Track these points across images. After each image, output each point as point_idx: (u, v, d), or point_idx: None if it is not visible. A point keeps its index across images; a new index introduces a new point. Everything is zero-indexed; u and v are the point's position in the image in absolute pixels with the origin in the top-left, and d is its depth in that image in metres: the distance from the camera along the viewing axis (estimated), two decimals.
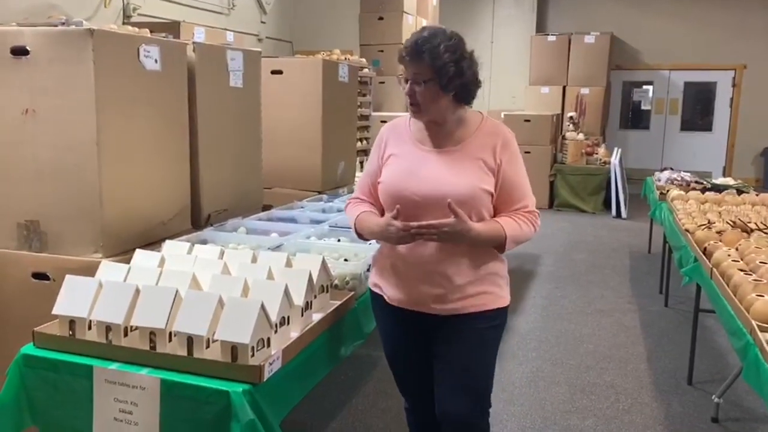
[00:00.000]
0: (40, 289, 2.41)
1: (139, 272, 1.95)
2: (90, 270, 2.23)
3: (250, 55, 3.28)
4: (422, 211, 1.84)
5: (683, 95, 10.95)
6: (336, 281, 2.28)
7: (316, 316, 2.05)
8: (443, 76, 1.80)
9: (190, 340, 1.69)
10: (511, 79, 10.62)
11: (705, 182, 5.09)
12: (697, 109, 11.04)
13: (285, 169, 4.02)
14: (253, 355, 1.65)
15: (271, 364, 1.67)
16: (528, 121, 8.34)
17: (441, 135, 1.93)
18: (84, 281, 1.84)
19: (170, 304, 1.73)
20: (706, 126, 10.90)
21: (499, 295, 1.95)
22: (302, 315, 1.95)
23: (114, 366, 1.71)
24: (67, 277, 1.85)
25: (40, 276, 2.42)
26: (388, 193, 1.93)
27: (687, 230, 3.28)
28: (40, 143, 2.37)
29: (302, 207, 3.40)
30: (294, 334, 1.90)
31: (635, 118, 11.37)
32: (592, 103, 9.74)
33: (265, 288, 1.84)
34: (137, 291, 1.78)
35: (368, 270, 2.34)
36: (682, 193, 4.43)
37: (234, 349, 1.64)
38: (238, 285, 1.86)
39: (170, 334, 1.73)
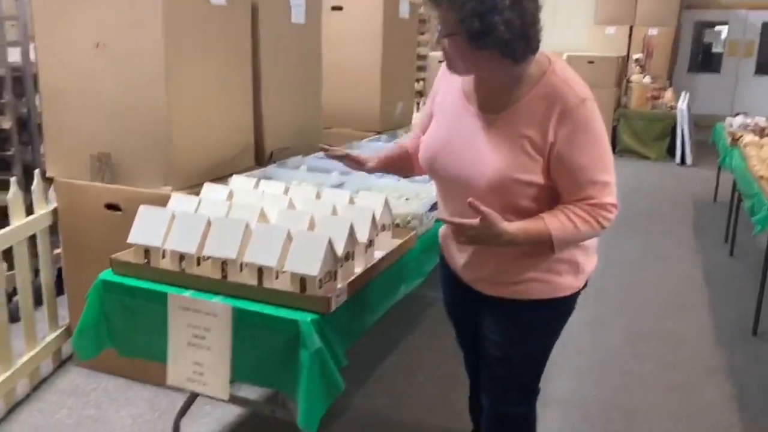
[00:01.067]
0: (112, 219, 2.50)
1: (209, 204, 2.00)
2: (160, 202, 2.29)
3: None
4: (453, 192, 1.62)
5: (760, 37, 10.31)
6: (397, 220, 2.29)
7: (378, 254, 2.06)
8: (467, 30, 1.41)
9: (260, 271, 1.74)
10: (575, 18, 10.18)
11: None
12: None
13: (343, 109, 4.01)
14: (320, 287, 1.68)
15: (338, 296, 1.70)
16: (592, 62, 8.04)
17: (487, 92, 1.56)
18: (158, 211, 1.89)
19: (241, 236, 1.77)
20: None
21: (557, 284, 1.63)
22: (365, 251, 1.97)
23: (187, 293, 1.77)
24: (142, 206, 1.91)
25: (112, 207, 2.51)
26: (424, 158, 1.72)
27: (761, 177, 3.14)
28: (110, 77, 2.42)
29: (361, 147, 3.40)
30: (358, 269, 1.92)
31: (705, 60, 10.83)
32: (660, 44, 9.28)
33: (330, 224, 1.86)
34: (209, 222, 1.83)
35: (430, 210, 2.34)
36: (757, 139, 4.23)
37: (303, 280, 1.68)
38: (304, 220, 1.88)
39: (241, 264, 1.77)
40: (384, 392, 2.68)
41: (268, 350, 1.70)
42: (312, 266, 1.66)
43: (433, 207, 2.37)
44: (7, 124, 3.08)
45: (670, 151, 8.03)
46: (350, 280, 1.78)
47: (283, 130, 3.14)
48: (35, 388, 2.60)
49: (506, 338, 1.72)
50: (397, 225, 2.28)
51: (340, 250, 1.79)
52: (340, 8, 3.84)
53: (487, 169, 1.51)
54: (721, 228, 4.87)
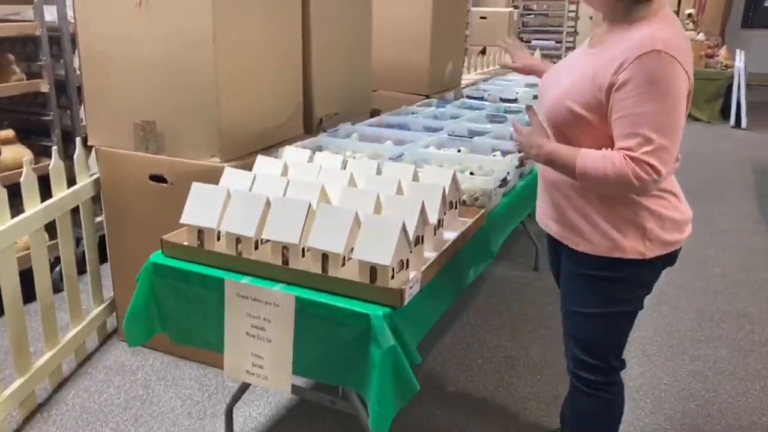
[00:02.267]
0: (157, 191, 2.37)
1: (265, 181, 1.84)
2: (208, 175, 2.16)
3: None
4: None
5: None
6: (464, 196, 2.11)
7: (448, 235, 1.90)
8: None
9: (325, 257, 1.58)
10: None
11: None
12: None
13: (390, 71, 3.80)
14: (392, 277, 1.52)
15: (411, 287, 1.54)
16: None
17: (600, 32, 1.61)
18: (211, 189, 1.74)
19: (303, 218, 1.61)
20: None
21: (618, 243, 1.56)
22: (434, 234, 1.81)
23: (245, 280, 1.63)
24: (194, 184, 1.76)
25: (157, 178, 2.37)
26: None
27: None
28: (154, 38, 2.25)
29: (413, 113, 3.20)
30: (428, 254, 1.76)
31: (760, 15, 10.22)
32: None
33: (398, 204, 1.69)
34: (268, 202, 1.67)
35: (500, 186, 2.16)
36: None
37: (373, 270, 1.52)
38: (369, 200, 1.72)
39: (303, 249, 1.62)
40: (438, 375, 2.54)
41: (335, 345, 1.55)
42: (384, 254, 1.50)
43: (503, 182, 2.18)
44: (45, 87, 2.94)
45: (724, 113, 7.64)
46: (424, 268, 1.62)
47: (332, 94, 2.95)
48: (80, 364, 2.52)
49: (571, 291, 1.71)
50: (464, 202, 2.11)
51: (411, 233, 1.63)
52: None
53: (553, 92, 1.59)
54: None
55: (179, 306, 1.74)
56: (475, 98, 3.70)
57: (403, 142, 2.62)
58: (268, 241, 1.66)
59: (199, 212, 1.72)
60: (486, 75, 5.18)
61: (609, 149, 1.46)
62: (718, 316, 3.05)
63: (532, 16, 9.69)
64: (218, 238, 1.72)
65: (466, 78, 4.75)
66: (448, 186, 1.90)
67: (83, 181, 2.48)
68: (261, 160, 2.03)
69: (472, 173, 2.26)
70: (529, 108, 1.67)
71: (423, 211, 1.70)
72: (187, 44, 2.20)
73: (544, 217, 1.77)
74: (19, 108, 3.15)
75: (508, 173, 2.21)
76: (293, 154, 2.16)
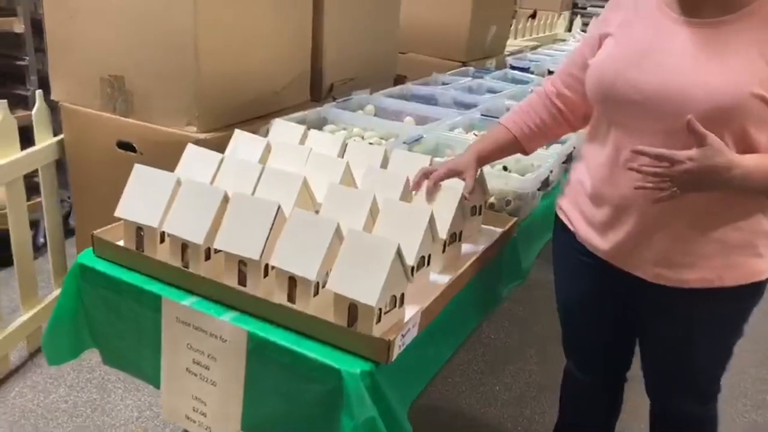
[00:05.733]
0: (126, 161, 1.98)
1: (235, 167, 1.43)
2: (181, 147, 1.77)
3: None
4: (645, 125, 1.17)
5: None
6: (492, 199, 1.67)
7: (467, 249, 1.48)
8: None
9: (292, 282, 1.17)
10: None
11: None
12: None
13: (423, 31, 3.33)
14: (379, 320, 1.11)
15: (404, 335, 1.12)
16: None
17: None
18: (156, 175, 1.33)
19: (269, 225, 1.20)
20: None
21: (755, 266, 1.23)
22: (444, 251, 1.38)
23: (188, 301, 1.23)
24: (136, 166, 1.36)
25: (125, 146, 1.98)
26: (596, 83, 1.26)
27: None
28: None
29: (444, 83, 2.73)
30: (435, 278, 1.35)
31: None
32: None
33: (400, 213, 1.27)
34: (226, 199, 1.26)
35: (539, 189, 1.71)
36: None
37: (353, 308, 1.11)
38: (362, 204, 1.29)
39: (266, 266, 1.21)
40: (444, 404, 2.14)
41: (297, 402, 1.15)
42: (368, 290, 1.08)
43: (544, 184, 1.73)
44: (19, 27, 2.55)
45: None
46: (427, 305, 1.20)
47: (348, 55, 2.50)
48: (33, 354, 2.18)
49: (692, 337, 1.33)
50: (491, 206, 1.67)
51: (411, 257, 1.21)
52: None
53: (718, 81, 1.09)
54: None
55: (110, 322, 1.36)
56: (519, 69, 3.21)
57: (426, 119, 2.18)
58: (222, 251, 1.25)
59: (140, 204, 1.32)
60: (535, 42, 4.63)
61: None
62: None
63: None
64: (162, 240, 1.32)
65: (512, 45, 4.22)
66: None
67: (44, 141, 2.10)
68: (239, 137, 1.62)
69: (506, 168, 1.81)
70: (689, 121, 1.04)
71: (432, 224, 1.27)
72: None
73: (659, 268, 1.25)
74: None
75: (551, 171, 1.76)
76: (282, 130, 1.74)
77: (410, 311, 1.17)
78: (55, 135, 2.14)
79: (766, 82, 1.08)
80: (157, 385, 1.31)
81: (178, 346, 1.25)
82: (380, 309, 1.10)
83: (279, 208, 1.22)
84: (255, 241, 1.20)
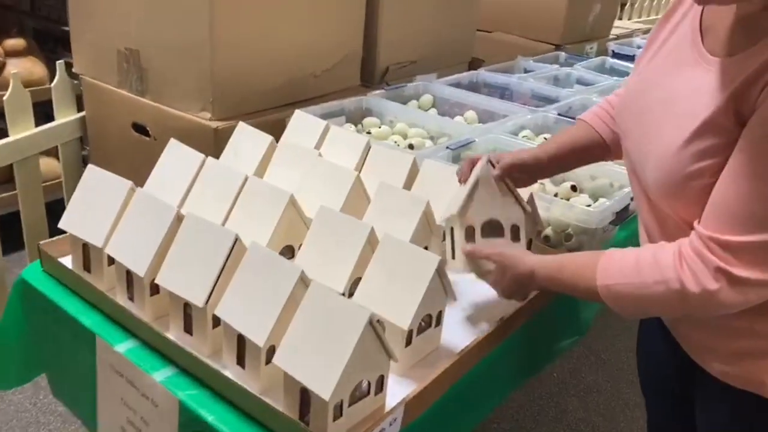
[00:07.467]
0: (140, 145, 1.77)
1: (213, 173, 1.15)
2: (194, 136, 1.55)
3: None
4: (636, 183, 0.98)
5: None
6: (547, 230, 1.30)
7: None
8: None
9: (242, 341, 0.88)
10: None
11: None
12: None
13: (511, 6, 2.92)
14: (340, 415, 0.80)
15: None
16: None
17: (723, 27, 0.86)
18: (110, 180, 1.07)
19: (221, 261, 0.91)
20: None
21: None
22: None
23: (123, 346, 0.97)
24: (89, 167, 1.11)
25: (140, 129, 1.77)
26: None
27: None
28: None
29: (526, 71, 2.33)
30: (448, 338, 1.01)
31: None
32: None
33: (399, 257, 0.94)
34: (178, 218, 0.99)
35: (613, 222, 1.32)
36: None
37: (305, 395, 0.80)
38: (358, 235, 0.98)
39: (213, 317, 0.93)
40: None
41: None
42: (324, 375, 0.77)
43: (621, 213, 1.33)
44: None
45: None
46: (410, 396, 0.87)
47: (409, 35, 2.15)
48: None
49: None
50: (546, 238, 1.30)
51: (407, 318, 0.89)
52: None
53: (659, 149, 0.86)
54: None
55: (52, 350, 1.14)
56: (623, 57, 2.73)
57: (492, 116, 1.82)
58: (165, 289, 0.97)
59: (88, 216, 1.07)
60: (647, 24, 4.04)
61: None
62: None
63: None
64: (109, 263, 1.06)
65: (618, 27, 3.67)
66: (519, 216, 1.12)
67: (65, 117, 1.93)
68: (240, 136, 1.33)
69: (574, 188, 1.43)
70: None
71: (440, 273, 0.94)
72: None
73: (687, 339, 1.00)
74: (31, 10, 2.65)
75: (632, 199, 1.36)
76: (301, 124, 1.44)
77: (391, 404, 0.85)
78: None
79: (699, 155, 0.82)
80: None
81: (113, 398, 1.00)
82: (341, 401, 0.79)
83: (237, 239, 0.93)
84: (202, 281, 0.92)
